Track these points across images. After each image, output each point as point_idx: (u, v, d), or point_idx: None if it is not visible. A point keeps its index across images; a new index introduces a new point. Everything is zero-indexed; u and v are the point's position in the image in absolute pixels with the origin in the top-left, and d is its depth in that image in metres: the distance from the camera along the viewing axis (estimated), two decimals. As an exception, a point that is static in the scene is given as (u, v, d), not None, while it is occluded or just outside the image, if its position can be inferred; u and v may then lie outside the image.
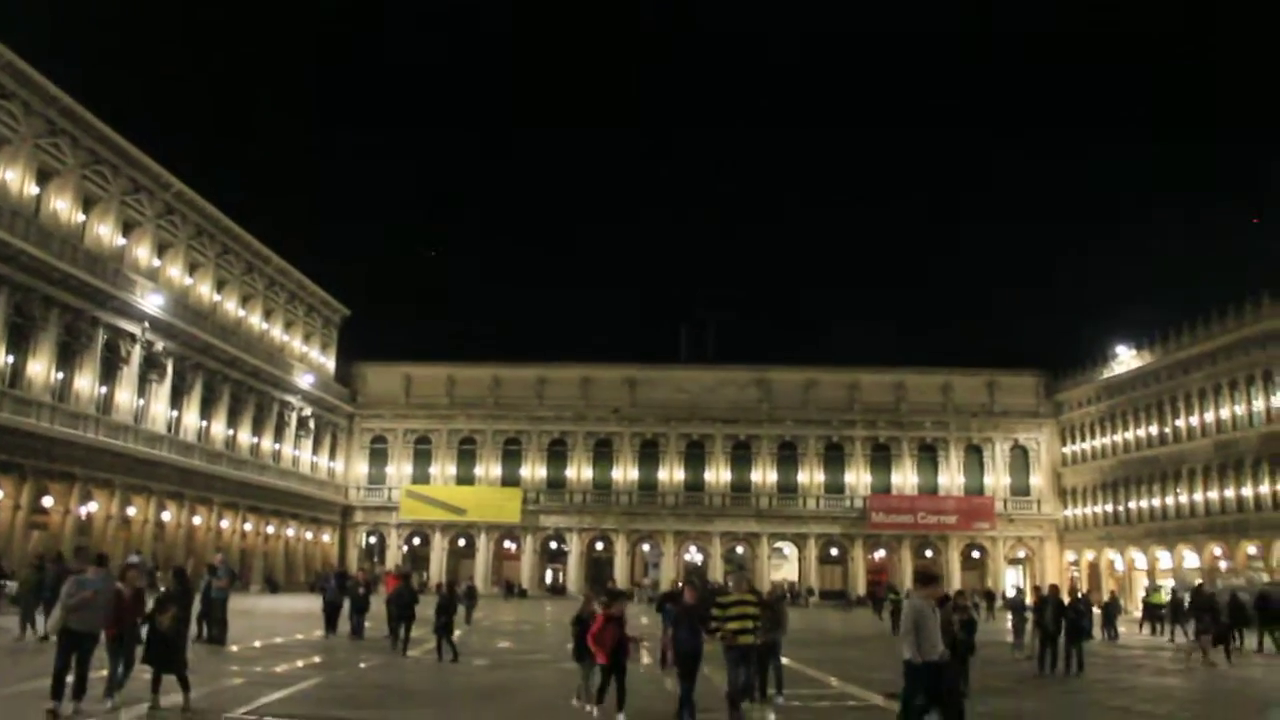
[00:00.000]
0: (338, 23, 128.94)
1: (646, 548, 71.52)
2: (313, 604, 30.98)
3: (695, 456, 71.77)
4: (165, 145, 56.28)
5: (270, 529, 59.78)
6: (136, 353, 45.78)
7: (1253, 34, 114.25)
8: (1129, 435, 63.37)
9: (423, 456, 72.52)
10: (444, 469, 71.77)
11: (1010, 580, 67.09)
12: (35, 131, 40.74)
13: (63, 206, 42.71)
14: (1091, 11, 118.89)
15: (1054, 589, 22.86)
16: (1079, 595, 24.81)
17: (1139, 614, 44.66)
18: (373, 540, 71.66)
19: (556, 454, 72.05)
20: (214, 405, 53.94)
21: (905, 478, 70.96)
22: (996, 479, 70.73)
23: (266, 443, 60.29)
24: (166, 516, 48.05)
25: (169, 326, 47.87)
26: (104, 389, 43.97)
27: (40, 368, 39.32)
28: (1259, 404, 52.19)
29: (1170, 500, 58.84)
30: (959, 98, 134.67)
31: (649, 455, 71.83)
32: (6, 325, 37.67)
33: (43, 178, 41.77)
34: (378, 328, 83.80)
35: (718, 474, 71.32)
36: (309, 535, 65.96)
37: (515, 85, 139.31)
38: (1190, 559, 56.80)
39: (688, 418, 71.64)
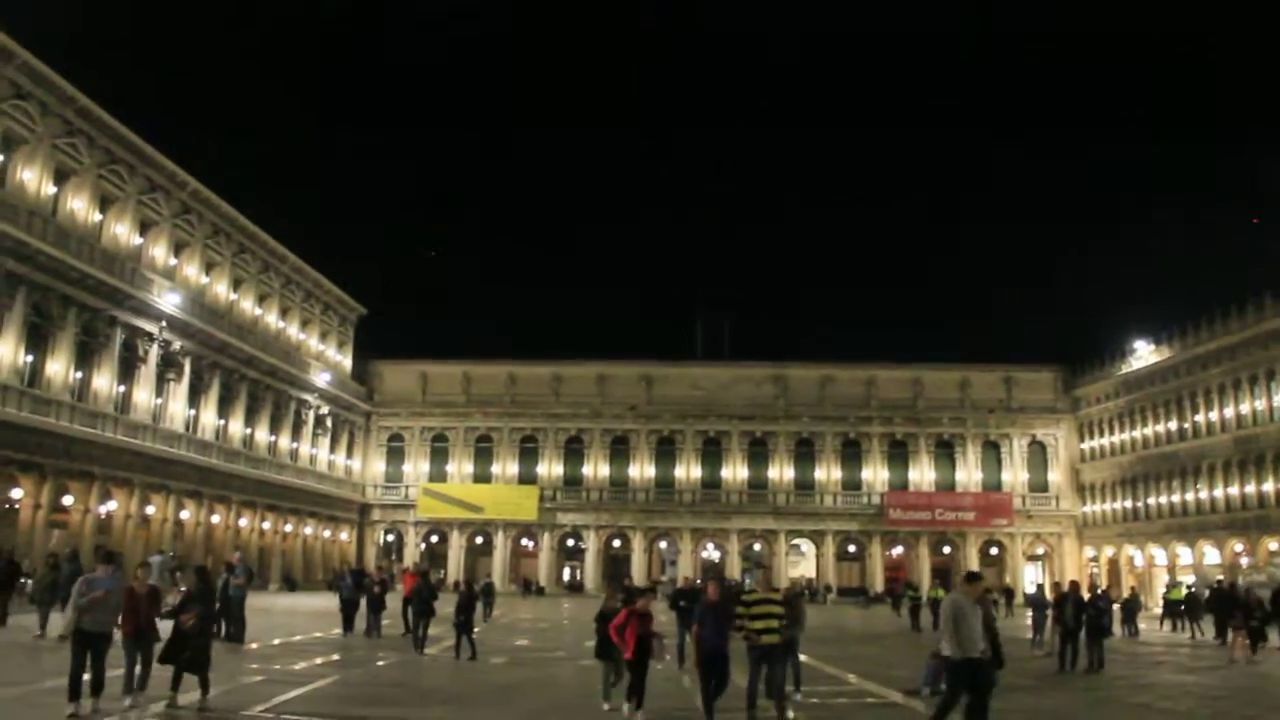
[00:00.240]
0: (338, 23, 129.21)
1: (664, 545, 71.41)
2: (331, 602, 31.06)
3: (712, 453, 71.60)
4: (180, 145, 56.17)
5: (288, 527, 60.01)
6: (154, 352, 45.99)
7: (1253, 34, 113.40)
8: (1148, 431, 62.89)
9: (439, 454, 72.60)
10: (461, 467, 71.84)
11: (1029, 577, 66.56)
12: (53, 131, 40.91)
13: (80, 206, 42.89)
14: (1091, 11, 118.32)
15: (1074, 585, 22.68)
16: (1099, 592, 24.67)
17: (1159, 610, 44.38)
18: (390, 538, 71.85)
19: (573, 451, 72.01)
20: (231, 404, 54.16)
21: (923, 474, 70.62)
22: (1014, 475, 70.31)
23: (284, 441, 60.48)
24: (185, 515, 48.31)
25: (186, 325, 48.05)
26: (122, 388, 44.19)
27: (59, 367, 39.56)
28: (1279, 399, 51.86)
29: (1190, 496, 58.36)
30: (959, 98, 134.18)
31: (665, 452, 71.71)
32: (25, 325, 37.88)
33: (60, 177, 41.96)
34: (392, 326, 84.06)
35: (734, 471, 71.13)
36: (327, 533, 66.20)
37: (515, 85, 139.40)
38: (1211, 555, 56.39)
39: (704, 414, 71.47)
